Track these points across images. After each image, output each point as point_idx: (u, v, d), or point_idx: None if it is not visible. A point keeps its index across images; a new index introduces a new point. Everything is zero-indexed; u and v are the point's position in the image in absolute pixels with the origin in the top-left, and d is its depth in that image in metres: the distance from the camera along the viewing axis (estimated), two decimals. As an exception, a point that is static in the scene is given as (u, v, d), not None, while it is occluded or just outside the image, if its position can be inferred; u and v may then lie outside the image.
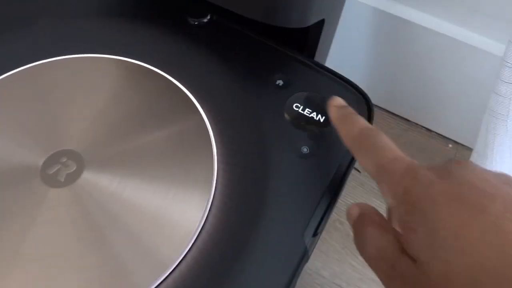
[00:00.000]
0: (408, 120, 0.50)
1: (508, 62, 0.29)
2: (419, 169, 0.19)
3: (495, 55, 0.40)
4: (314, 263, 0.38)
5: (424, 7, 0.41)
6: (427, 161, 0.43)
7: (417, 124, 0.49)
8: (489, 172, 0.18)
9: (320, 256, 0.38)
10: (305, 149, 0.29)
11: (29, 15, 0.35)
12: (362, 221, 0.21)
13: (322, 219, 0.26)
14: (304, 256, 0.25)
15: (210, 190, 0.27)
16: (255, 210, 0.27)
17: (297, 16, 0.28)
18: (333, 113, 0.25)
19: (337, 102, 0.26)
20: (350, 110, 0.25)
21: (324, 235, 0.40)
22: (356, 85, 0.32)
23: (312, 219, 0.26)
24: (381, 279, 0.19)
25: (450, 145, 0.48)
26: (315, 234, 0.26)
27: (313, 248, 0.31)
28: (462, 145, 0.48)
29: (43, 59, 0.32)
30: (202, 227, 0.26)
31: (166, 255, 0.25)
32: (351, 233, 0.38)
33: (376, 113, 0.49)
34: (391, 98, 0.49)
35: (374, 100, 0.31)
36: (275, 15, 0.27)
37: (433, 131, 0.49)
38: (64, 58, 0.33)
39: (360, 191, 0.43)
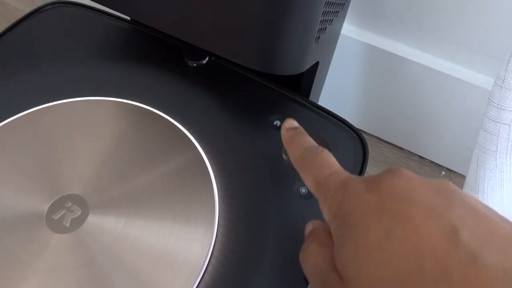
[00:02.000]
0: (401, 148, 0.51)
1: (494, 102, 0.31)
2: (352, 181, 0.19)
3: (482, 88, 0.42)
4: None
5: (414, 42, 0.43)
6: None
7: (410, 152, 0.51)
8: (419, 179, 0.17)
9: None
10: (303, 190, 0.30)
11: (29, 59, 0.36)
12: (309, 237, 0.21)
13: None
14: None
15: (213, 226, 0.28)
16: (257, 247, 0.28)
17: (293, 64, 0.29)
18: (283, 135, 0.26)
19: (288, 124, 0.26)
20: (300, 130, 0.25)
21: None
22: (350, 124, 0.33)
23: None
24: None
25: (443, 172, 0.50)
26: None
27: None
28: (455, 172, 0.49)
29: (44, 104, 0.33)
30: (208, 264, 0.27)
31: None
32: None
33: (370, 142, 0.51)
34: (384, 127, 0.50)
35: (367, 128, 0.33)
36: (270, 64, 0.28)
37: (426, 159, 0.50)
38: (64, 102, 0.34)
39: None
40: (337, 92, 0.48)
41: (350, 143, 0.32)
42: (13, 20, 0.38)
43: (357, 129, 0.33)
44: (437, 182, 0.17)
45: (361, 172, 0.31)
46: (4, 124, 0.32)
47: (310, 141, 0.24)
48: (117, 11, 0.35)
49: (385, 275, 0.15)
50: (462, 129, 0.45)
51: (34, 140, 0.32)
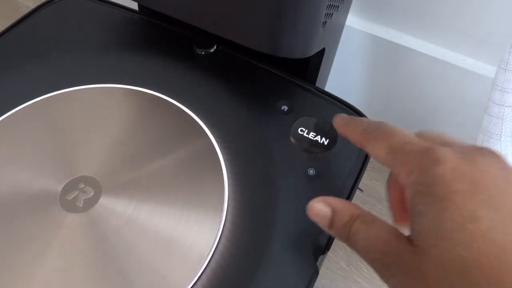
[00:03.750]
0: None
1: (498, 85, 0.31)
2: (441, 150, 0.17)
3: (486, 77, 0.42)
4: (320, 280, 0.39)
5: (418, 32, 0.44)
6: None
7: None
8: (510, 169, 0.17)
9: (327, 274, 0.39)
10: (311, 171, 0.30)
11: (42, 49, 0.37)
12: (342, 218, 0.21)
13: (330, 237, 0.27)
14: (314, 274, 0.26)
15: (222, 213, 0.29)
16: (266, 231, 0.28)
17: (301, 47, 0.29)
18: (337, 122, 0.25)
19: (340, 116, 0.26)
20: (355, 117, 0.25)
21: (329, 253, 0.41)
22: (356, 108, 0.34)
23: (321, 238, 0.27)
24: (375, 270, 0.19)
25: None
26: (324, 252, 0.27)
27: (321, 266, 0.32)
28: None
29: (59, 90, 0.34)
30: (215, 249, 0.27)
31: (179, 280, 0.26)
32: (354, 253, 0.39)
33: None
34: (389, 118, 0.51)
35: (372, 118, 0.33)
36: (279, 47, 0.29)
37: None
38: (79, 89, 0.34)
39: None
40: (342, 83, 0.48)
41: (357, 127, 0.33)
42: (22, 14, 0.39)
43: (363, 113, 0.33)
44: None
45: (366, 156, 0.32)
46: (20, 109, 0.33)
47: (369, 119, 0.23)
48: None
49: (463, 255, 0.15)
50: (466, 118, 0.46)
51: (49, 124, 0.33)
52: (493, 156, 0.17)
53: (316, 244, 0.27)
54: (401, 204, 0.21)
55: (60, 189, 0.29)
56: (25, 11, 0.39)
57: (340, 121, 0.25)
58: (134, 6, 0.42)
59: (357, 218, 0.20)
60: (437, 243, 0.16)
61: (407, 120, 0.50)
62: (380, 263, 0.18)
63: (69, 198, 0.29)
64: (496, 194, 0.16)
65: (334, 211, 0.21)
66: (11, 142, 0.32)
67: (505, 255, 0.15)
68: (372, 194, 0.46)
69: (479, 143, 0.35)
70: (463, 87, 0.44)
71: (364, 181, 0.47)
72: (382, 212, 0.44)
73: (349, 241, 0.20)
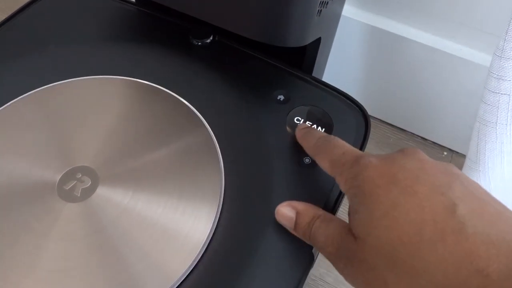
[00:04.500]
0: (404, 130, 0.51)
1: (494, 73, 0.31)
2: (366, 157, 0.21)
3: (482, 66, 0.42)
4: (318, 269, 0.39)
5: (414, 22, 0.44)
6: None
7: (412, 133, 0.51)
8: (429, 161, 0.20)
9: (324, 263, 0.39)
10: (307, 160, 0.30)
11: (39, 41, 0.37)
12: (304, 219, 0.24)
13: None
14: (310, 262, 0.27)
15: (218, 201, 0.29)
16: (262, 220, 0.29)
17: (296, 36, 0.30)
18: (297, 133, 0.29)
19: (301, 125, 0.30)
20: (312, 128, 0.30)
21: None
22: (352, 98, 0.34)
23: (316, 225, 0.27)
24: (332, 262, 0.21)
25: (445, 153, 0.50)
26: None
27: (318, 254, 0.33)
28: (457, 152, 0.50)
29: (56, 82, 0.34)
30: (212, 238, 0.28)
31: (175, 268, 0.26)
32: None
33: (373, 124, 0.51)
34: (387, 109, 0.51)
35: (370, 111, 0.33)
36: (274, 35, 0.29)
37: (428, 140, 0.51)
38: (76, 80, 0.34)
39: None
40: (338, 75, 0.48)
41: (353, 117, 0.33)
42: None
43: (359, 102, 0.33)
44: (443, 165, 0.20)
45: (363, 143, 0.32)
46: (18, 100, 0.33)
47: (322, 133, 0.28)
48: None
49: (390, 237, 0.18)
50: (463, 108, 0.46)
51: (46, 115, 0.33)
52: (412, 152, 0.20)
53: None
54: None
55: (58, 179, 0.29)
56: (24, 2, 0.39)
57: (298, 133, 0.29)
58: (130, -3, 0.42)
59: (317, 218, 0.23)
60: (370, 231, 0.19)
61: (404, 112, 0.50)
62: (334, 256, 0.21)
63: (67, 188, 0.29)
64: (411, 183, 0.19)
65: (298, 214, 0.25)
66: (8, 133, 0.32)
67: (423, 231, 0.17)
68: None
69: (474, 132, 0.36)
70: (460, 76, 0.44)
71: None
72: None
73: (310, 239, 0.23)
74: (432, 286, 0.17)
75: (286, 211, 0.25)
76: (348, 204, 0.22)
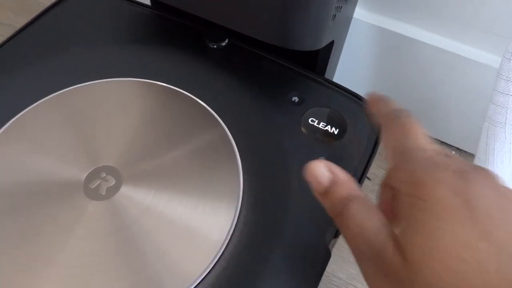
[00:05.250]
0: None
1: (503, 75, 0.32)
2: (442, 168, 0.17)
3: (491, 67, 0.43)
4: (331, 266, 0.40)
5: (424, 24, 0.45)
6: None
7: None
8: (509, 192, 0.17)
9: (337, 259, 0.41)
10: (322, 159, 0.32)
11: (62, 43, 0.39)
12: (341, 192, 0.19)
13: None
14: (327, 257, 0.28)
15: (237, 200, 0.30)
16: (280, 217, 0.30)
17: (311, 40, 0.31)
18: (369, 96, 0.24)
19: (375, 92, 0.25)
20: (386, 96, 0.24)
21: (339, 240, 0.42)
22: (364, 98, 0.35)
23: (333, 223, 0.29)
24: (357, 259, 0.18)
25: (453, 152, 0.51)
26: (336, 235, 0.28)
27: (332, 251, 0.34)
28: (465, 151, 0.51)
29: (79, 84, 0.36)
30: (232, 234, 0.29)
31: (197, 265, 0.28)
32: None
33: (382, 124, 0.52)
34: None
35: None
36: (290, 40, 0.30)
37: (437, 139, 0.52)
38: (99, 82, 0.36)
39: (372, 198, 0.46)
40: (349, 74, 0.49)
41: (365, 117, 0.34)
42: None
43: (372, 104, 0.34)
44: None
45: (375, 144, 0.33)
46: (44, 101, 0.34)
47: (399, 105, 0.22)
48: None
49: (453, 282, 0.15)
50: (471, 108, 0.47)
51: (71, 116, 0.34)
52: (489, 177, 0.17)
53: (328, 228, 0.29)
54: (389, 205, 0.20)
55: (84, 178, 0.31)
56: (35, 5, 0.40)
57: (371, 96, 0.24)
58: (147, 1, 0.43)
59: (355, 198, 0.19)
60: (431, 264, 0.16)
61: (412, 109, 0.51)
62: (364, 257, 0.18)
63: (92, 187, 0.30)
64: (491, 223, 0.16)
65: (334, 181, 0.20)
66: (36, 132, 0.33)
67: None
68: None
69: (484, 132, 0.37)
70: (468, 77, 0.45)
71: (372, 170, 0.48)
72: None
73: (339, 218, 0.19)
74: None
75: (320, 171, 0.20)
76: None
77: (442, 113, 0.49)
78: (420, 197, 0.17)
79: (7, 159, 0.32)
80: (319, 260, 0.28)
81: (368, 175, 0.47)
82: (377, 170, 0.48)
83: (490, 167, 0.37)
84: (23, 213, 0.30)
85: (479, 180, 0.17)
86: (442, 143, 0.52)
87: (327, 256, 0.28)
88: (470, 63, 0.44)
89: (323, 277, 0.39)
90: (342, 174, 0.20)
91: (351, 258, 0.40)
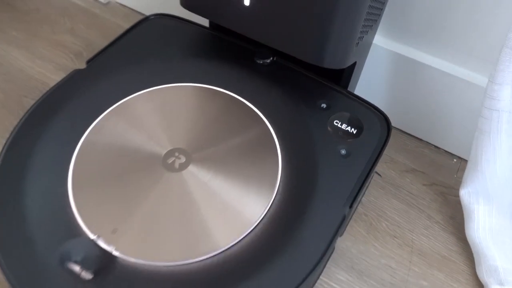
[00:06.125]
0: (420, 139, 0.61)
1: (488, 94, 0.41)
2: None
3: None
4: (345, 242, 0.49)
5: (433, 51, 0.54)
6: (435, 172, 0.54)
7: (428, 142, 0.61)
8: None
9: (350, 239, 0.49)
10: (343, 151, 0.41)
11: (143, 55, 0.50)
12: None
13: (356, 196, 0.38)
14: (343, 221, 0.37)
15: (276, 179, 0.40)
16: (309, 192, 0.39)
17: (338, 60, 0.40)
18: None
19: None
20: None
21: (353, 223, 0.51)
22: (378, 108, 0.44)
23: (349, 196, 0.38)
24: None
25: (455, 160, 0.59)
26: (351, 206, 0.38)
27: (347, 225, 0.43)
28: (465, 160, 0.59)
29: (157, 86, 0.46)
30: (270, 206, 0.39)
31: (244, 222, 0.37)
32: (374, 224, 0.50)
33: (394, 133, 0.62)
34: (406, 121, 0.61)
35: (392, 122, 0.43)
36: (323, 59, 0.40)
37: (441, 148, 0.60)
38: (177, 85, 0.46)
39: (381, 193, 0.54)
40: (367, 90, 0.59)
41: (378, 122, 0.44)
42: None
43: (383, 112, 0.44)
44: None
45: (385, 142, 0.42)
46: (136, 96, 0.45)
47: None
48: (207, 17, 0.48)
49: None
50: (470, 123, 0.55)
51: (155, 109, 0.45)
52: None
53: (346, 200, 0.38)
54: None
55: (163, 154, 0.41)
56: (114, 27, 0.51)
57: None
58: (205, 23, 0.54)
59: None
60: None
61: (420, 122, 0.60)
62: None
63: (169, 162, 0.41)
64: None
65: None
66: (133, 115, 0.44)
67: None
68: (389, 181, 0.56)
69: (474, 140, 0.45)
70: (469, 97, 0.54)
71: (382, 170, 0.57)
72: (397, 195, 0.55)
73: None
74: None
75: None
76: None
77: (446, 126, 0.58)
78: None
79: (111, 131, 0.43)
80: (337, 221, 0.37)
81: (378, 172, 0.56)
82: (386, 171, 0.57)
83: (479, 167, 0.46)
84: (120, 171, 0.40)
85: None
86: (445, 151, 0.60)
87: (343, 219, 0.37)
88: (470, 85, 0.52)
89: (339, 251, 0.48)
90: None
91: (361, 238, 0.49)
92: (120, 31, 0.51)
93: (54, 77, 0.65)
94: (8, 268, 0.34)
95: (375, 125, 0.43)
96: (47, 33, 0.72)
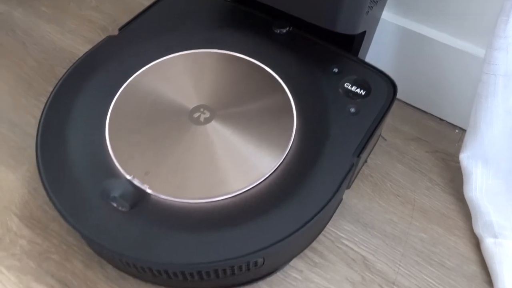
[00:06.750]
0: (424, 111, 0.65)
1: (486, 59, 0.45)
2: None
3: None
4: (352, 200, 0.54)
5: (438, 25, 0.57)
6: (438, 141, 0.58)
7: (431, 114, 0.65)
8: None
9: (356, 196, 0.54)
10: (352, 109, 0.45)
11: (170, 25, 0.54)
12: None
13: (363, 147, 0.42)
14: (351, 169, 0.41)
15: (291, 134, 0.44)
16: (320, 145, 0.44)
17: (350, 26, 0.45)
18: None
19: None
20: None
21: (359, 183, 0.56)
22: (385, 73, 0.49)
23: (357, 147, 0.42)
24: None
25: (457, 131, 0.63)
26: (359, 155, 0.42)
27: (354, 179, 0.47)
28: (466, 130, 0.63)
29: (190, 50, 0.51)
30: (287, 153, 0.43)
31: (262, 168, 0.42)
32: (378, 184, 0.54)
33: (399, 105, 0.66)
34: (412, 94, 0.65)
35: (398, 95, 0.47)
36: (336, 24, 0.44)
37: (444, 120, 0.64)
38: (204, 51, 0.51)
39: (386, 158, 0.59)
40: (375, 57, 0.62)
41: (385, 85, 0.48)
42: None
43: (390, 76, 0.48)
44: None
45: (391, 103, 0.46)
46: (171, 57, 0.50)
47: None
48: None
49: None
50: (473, 96, 0.59)
51: (188, 68, 0.49)
52: None
53: (354, 150, 0.42)
54: None
55: (190, 109, 0.46)
56: (137, 5, 0.55)
57: None
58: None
59: None
60: None
61: (425, 94, 0.64)
62: None
63: (195, 116, 0.45)
64: None
65: None
66: (166, 74, 0.49)
67: None
68: (394, 148, 0.60)
69: (473, 105, 0.49)
70: (470, 69, 0.57)
71: (387, 138, 0.61)
72: (401, 160, 0.59)
73: None
74: None
75: None
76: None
77: (450, 98, 0.62)
78: None
79: (144, 88, 0.47)
80: (346, 168, 0.41)
81: (384, 136, 0.60)
82: (391, 138, 0.61)
83: (478, 130, 0.50)
84: (151, 122, 0.45)
85: None
86: (448, 123, 0.64)
87: (351, 167, 0.41)
88: (472, 58, 0.56)
89: (346, 206, 0.52)
90: None
91: (367, 196, 0.54)
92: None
93: (83, 49, 0.69)
94: (58, 201, 0.39)
95: (382, 88, 0.48)
96: (74, 10, 0.76)
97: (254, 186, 0.41)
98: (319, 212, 0.39)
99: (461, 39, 0.57)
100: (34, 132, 0.46)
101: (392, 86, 0.48)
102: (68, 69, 0.49)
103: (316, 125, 0.45)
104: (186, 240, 0.37)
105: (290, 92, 0.48)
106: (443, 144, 0.62)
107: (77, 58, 0.51)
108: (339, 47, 0.51)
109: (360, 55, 0.53)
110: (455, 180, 0.57)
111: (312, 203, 0.40)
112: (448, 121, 0.64)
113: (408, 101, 0.66)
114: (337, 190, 0.40)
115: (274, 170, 0.42)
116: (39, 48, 0.69)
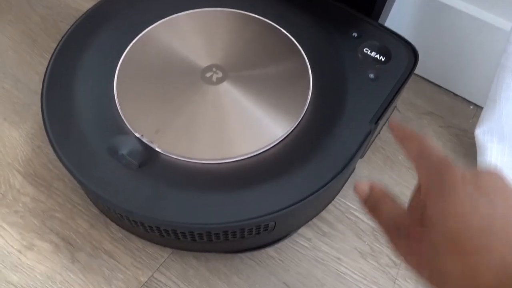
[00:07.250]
0: (439, 86, 0.63)
1: (514, 29, 0.43)
2: (454, 168, 0.22)
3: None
4: (363, 171, 0.52)
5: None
6: (452, 116, 0.56)
7: (446, 89, 0.63)
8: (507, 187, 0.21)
9: (368, 168, 0.53)
10: (371, 75, 0.44)
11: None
12: (377, 195, 0.26)
13: (381, 115, 0.41)
14: (368, 135, 0.40)
15: (306, 98, 0.43)
16: (338, 110, 0.42)
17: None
18: (397, 131, 0.27)
19: (398, 126, 0.27)
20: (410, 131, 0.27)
21: (370, 155, 0.54)
22: (405, 38, 0.46)
23: (376, 114, 0.41)
24: (391, 240, 0.24)
25: (471, 107, 0.61)
26: (376, 122, 0.40)
27: (368, 148, 0.46)
28: (481, 107, 0.61)
29: (202, 8, 0.49)
30: (301, 119, 0.41)
31: (273, 132, 0.41)
32: (390, 156, 0.53)
33: (414, 79, 0.64)
34: (427, 68, 0.63)
35: (415, 69, 0.45)
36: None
37: (459, 95, 0.62)
38: (217, 9, 0.48)
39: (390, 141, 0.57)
40: (395, 22, 0.60)
41: (405, 51, 0.46)
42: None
43: (410, 42, 0.46)
44: None
45: (411, 71, 0.44)
46: (182, 15, 0.48)
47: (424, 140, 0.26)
48: None
49: (461, 228, 0.20)
50: (491, 71, 0.57)
51: (201, 27, 0.47)
52: (493, 171, 0.22)
53: (372, 116, 0.41)
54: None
55: (202, 68, 0.44)
56: None
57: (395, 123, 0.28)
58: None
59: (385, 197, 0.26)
60: (447, 223, 0.21)
61: (442, 69, 0.62)
62: (395, 236, 0.24)
63: (207, 76, 0.44)
64: (492, 199, 0.20)
65: (371, 192, 0.26)
66: (177, 33, 0.47)
67: (493, 230, 0.19)
68: (407, 121, 0.59)
69: (496, 76, 0.47)
70: (490, 43, 0.55)
71: (401, 111, 0.59)
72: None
73: (373, 211, 0.26)
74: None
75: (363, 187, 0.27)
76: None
77: (465, 74, 0.60)
78: (437, 182, 0.22)
79: (155, 44, 0.45)
80: (364, 132, 0.40)
81: (399, 109, 0.59)
82: (405, 111, 0.60)
83: (497, 105, 0.48)
84: (162, 81, 0.43)
85: (482, 172, 0.22)
86: (463, 99, 0.62)
87: (369, 132, 0.40)
88: (496, 30, 0.54)
89: (357, 177, 0.51)
90: (377, 187, 0.27)
91: (378, 168, 0.52)
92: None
93: (87, 5, 0.67)
94: (64, 156, 0.38)
95: (403, 54, 0.46)
96: (80, -34, 0.73)
97: (266, 150, 0.40)
98: (333, 178, 0.38)
99: (485, 9, 0.54)
100: (38, 89, 0.44)
101: (413, 53, 0.46)
102: (75, 22, 0.47)
103: (333, 90, 0.43)
104: (197, 200, 0.36)
105: (307, 55, 0.46)
106: (457, 119, 0.60)
107: (81, 14, 0.49)
108: (359, 11, 0.49)
109: (380, 20, 0.51)
110: (468, 155, 0.56)
111: (327, 169, 0.38)
112: (463, 96, 0.63)
113: (422, 75, 0.64)
114: (352, 157, 0.39)
115: (288, 134, 0.41)
116: (43, 3, 0.66)
